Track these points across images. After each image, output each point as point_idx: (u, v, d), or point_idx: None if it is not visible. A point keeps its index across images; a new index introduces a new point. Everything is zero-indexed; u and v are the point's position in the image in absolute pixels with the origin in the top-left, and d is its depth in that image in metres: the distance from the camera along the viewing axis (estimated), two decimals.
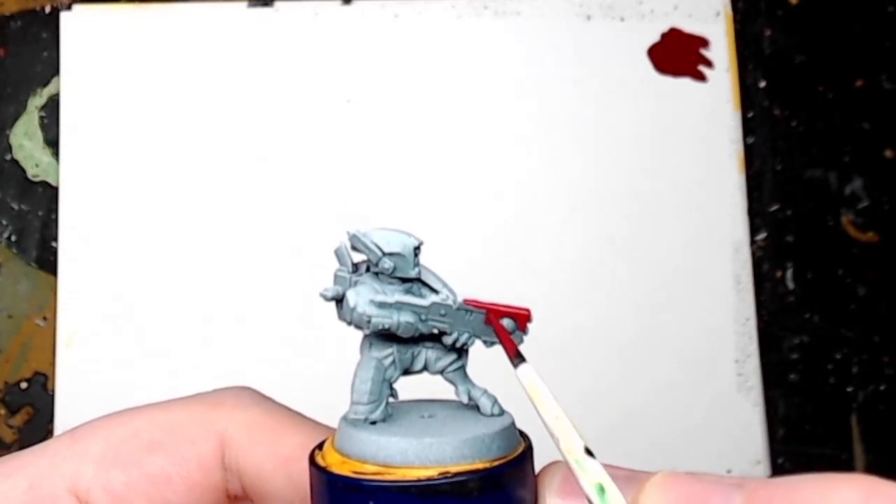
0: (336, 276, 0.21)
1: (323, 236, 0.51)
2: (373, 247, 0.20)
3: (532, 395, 0.19)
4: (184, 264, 0.50)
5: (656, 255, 0.51)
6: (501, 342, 0.20)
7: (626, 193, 0.52)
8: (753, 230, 0.52)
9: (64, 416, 0.49)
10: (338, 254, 0.21)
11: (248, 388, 0.25)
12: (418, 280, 0.21)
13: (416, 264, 0.21)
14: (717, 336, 0.51)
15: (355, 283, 0.21)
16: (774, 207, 0.53)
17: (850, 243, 0.53)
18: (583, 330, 0.50)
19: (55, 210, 0.51)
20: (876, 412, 0.51)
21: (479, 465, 0.19)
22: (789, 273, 0.52)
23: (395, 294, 0.20)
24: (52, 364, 0.49)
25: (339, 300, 0.21)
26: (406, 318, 0.20)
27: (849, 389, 0.51)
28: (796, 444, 0.50)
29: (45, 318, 0.50)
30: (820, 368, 0.51)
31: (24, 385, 0.50)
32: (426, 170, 0.52)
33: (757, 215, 0.53)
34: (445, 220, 0.51)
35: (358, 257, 0.21)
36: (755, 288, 0.51)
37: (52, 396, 0.49)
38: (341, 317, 0.21)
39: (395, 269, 0.20)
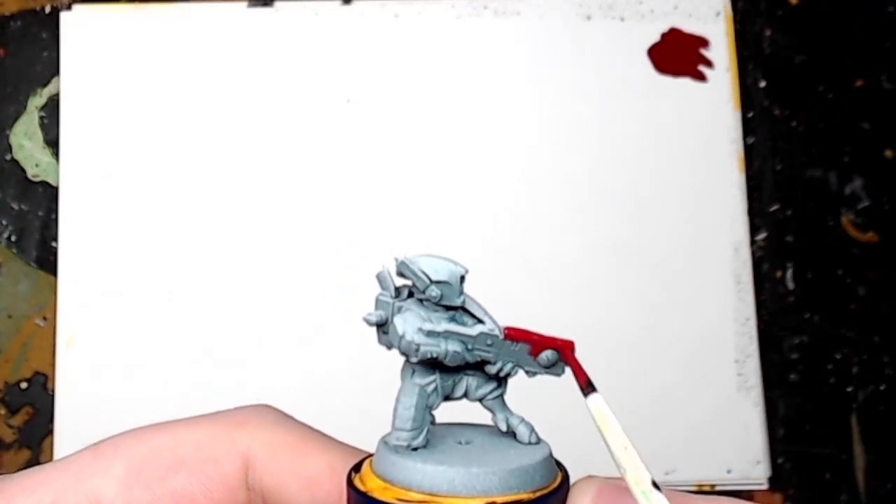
0: (378, 301, 0.21)
1: (323, 237, 0.51)
2: (421, 275, 0.20)
3: (601, 425, 0.20)
4: (184, 264, 0.50)
5: (656, 255, 0.51)
6: (573, 371, 0.20)
7: (626, 193, 0.52)
8: (753, 230, 0.52)
9: (64, 416, 0.48)
10: (380, 278, 0.21)
11: (270, 407, 0.24)
12: (461, 308, 0.21)
13: (462, 293, 0.20)
14: (717, 336, 0.51)
15: (399, 309, 0.20)
16: (774, 207, 0.53)
17: (850, 243, 0.53)
18: (583, 330, 0.50)
19: (55, 210, 0.51)
20: (876, 412, 0.51)
21: (524, 496, 0.19)
22: (789, 273, 0.52)
23: (442, 322, 0.20)
24: (52, 364, 0.49)
25: (381, 325, 0.20)
26: (454, 347, 0.20)
27: (849, 389, 0.51)
28: (796, 444, 0.50)
29: (45, 318, 0.50)
30: (820, 368, 0.51)
31: (24, 385, 0.50)
32: (426, 170, 0.52)
33: (757, 215, 0.53)
34: (444, 220, 0.51)
35: (399, 281, 0.21)
36: (755, 288, 0.51)
37: (52, 396, 0.49)
38: (383, 341, 0.21)
39: (441, 297, 0.20)
